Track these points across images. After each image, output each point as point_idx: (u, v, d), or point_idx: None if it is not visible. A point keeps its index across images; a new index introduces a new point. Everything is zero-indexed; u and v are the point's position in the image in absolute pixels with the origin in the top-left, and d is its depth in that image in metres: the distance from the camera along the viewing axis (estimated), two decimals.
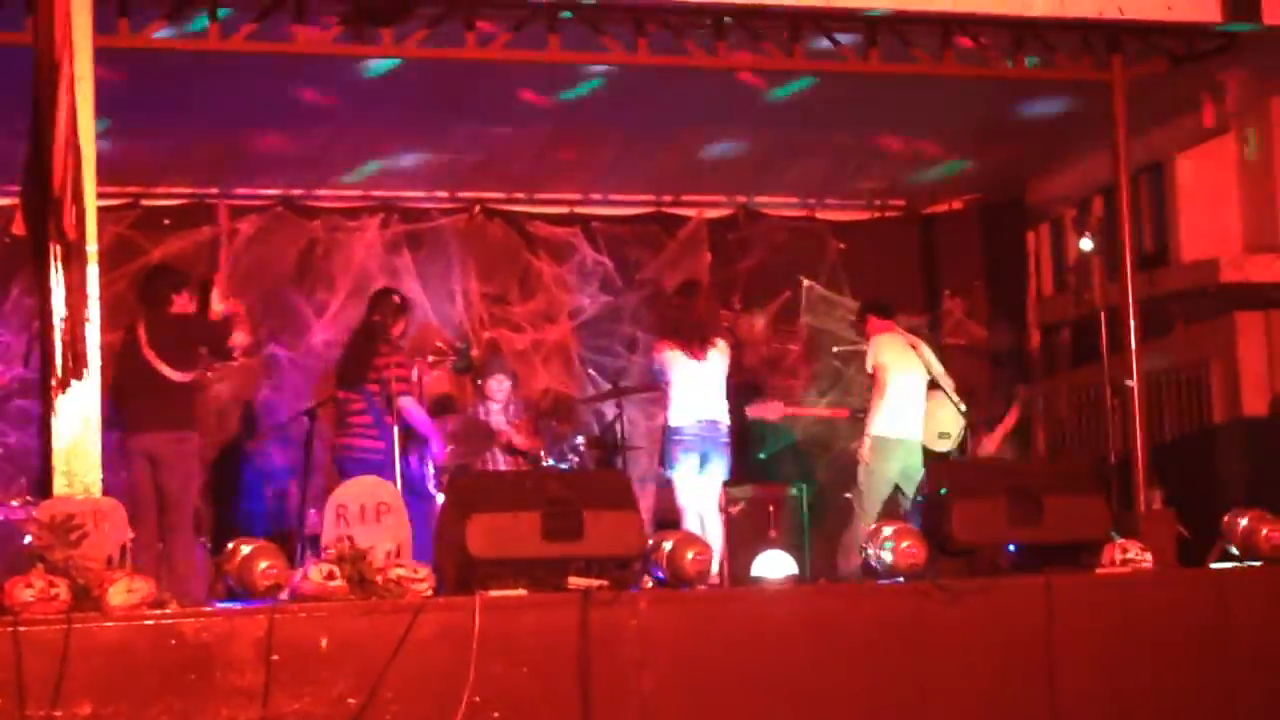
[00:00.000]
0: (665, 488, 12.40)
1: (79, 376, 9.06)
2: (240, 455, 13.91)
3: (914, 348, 12.59)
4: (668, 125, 13.49)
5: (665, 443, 12.10)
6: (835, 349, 13.72)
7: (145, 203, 14.00)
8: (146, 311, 11.09)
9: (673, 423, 11.99)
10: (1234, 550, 9.98)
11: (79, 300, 9.03)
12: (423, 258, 14.52)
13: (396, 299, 12.28)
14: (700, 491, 11.94)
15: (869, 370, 12.51)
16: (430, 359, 12.63)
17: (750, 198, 15.41)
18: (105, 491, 8.99)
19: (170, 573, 9.90)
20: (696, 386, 11.93)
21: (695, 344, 11.97)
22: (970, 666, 9.06)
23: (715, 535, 11.74)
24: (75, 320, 9.00)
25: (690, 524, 11.64)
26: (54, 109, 8.96)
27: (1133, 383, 11.90)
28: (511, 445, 12.75)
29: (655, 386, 12.52)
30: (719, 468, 12.01)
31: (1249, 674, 9.46)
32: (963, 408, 12.59)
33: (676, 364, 11.94)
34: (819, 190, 15.42)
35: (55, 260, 9.02)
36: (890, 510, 12.30)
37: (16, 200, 9.31)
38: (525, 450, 12.82)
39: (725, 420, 12.04)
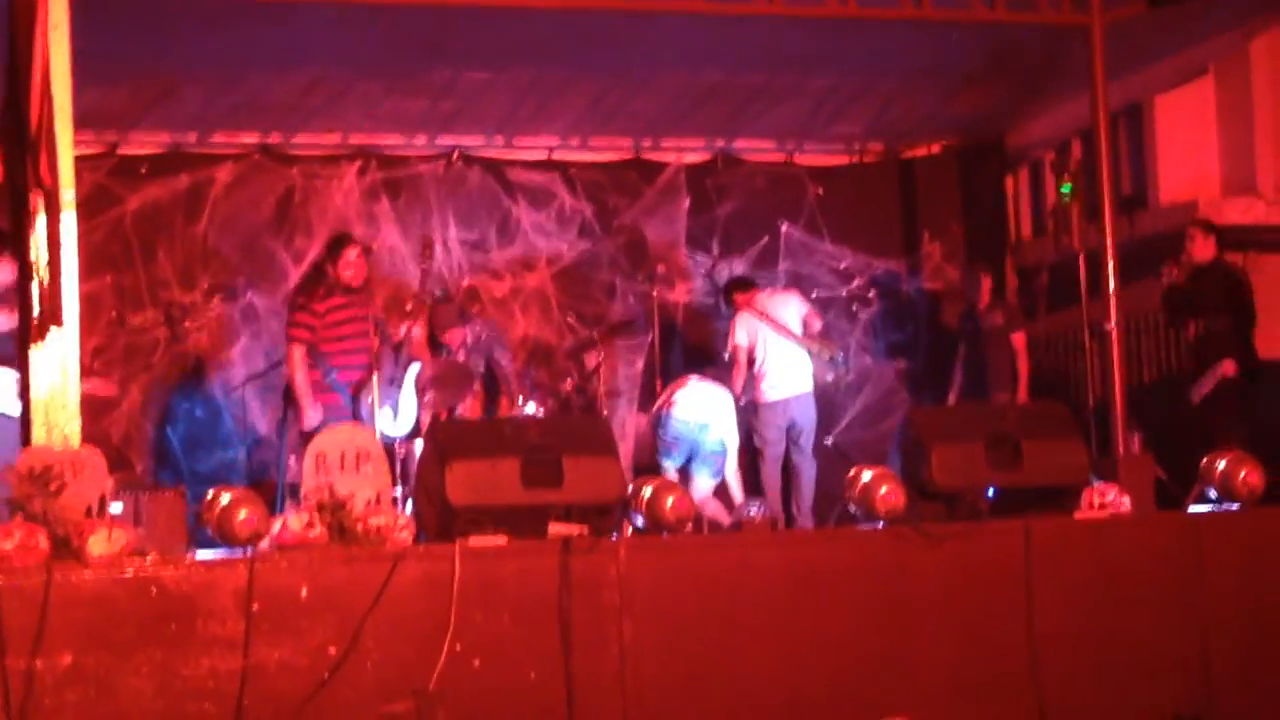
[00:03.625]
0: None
1: (57, 324, 9.05)
2: (218, 403, 13.91)
3: (763, 316, 13.20)
4: (645, 69, 13.48)
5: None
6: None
7: (122, 150, 13.96)
8: None
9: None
10: (1212, 493, 10.00)
11: (55, 248, 9.00)
12: (401, 204, 14.51)
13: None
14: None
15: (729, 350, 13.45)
16: (408, 307, 12.54)
17: (728, 143, 15.39)
18: (83, 441, 8.99)
19: None
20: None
21: None
22: (950, 610, 9.08)
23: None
24: (53, 269, 8.97)
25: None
26: (30, 55, 8.92)
27: (1111, 326, 11.92)
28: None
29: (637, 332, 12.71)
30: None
31: (1226, 617, 9.49)
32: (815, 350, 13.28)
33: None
34: (797, 135, 15.40)
35: (33, 208, 9.00)
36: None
37: None
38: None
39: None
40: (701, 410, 12.71)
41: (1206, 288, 12.63)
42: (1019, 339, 13.79)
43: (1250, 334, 12.64)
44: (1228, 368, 12.40)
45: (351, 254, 11.70)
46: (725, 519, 11.98)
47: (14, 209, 9.18)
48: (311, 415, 11.44)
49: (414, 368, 11.78)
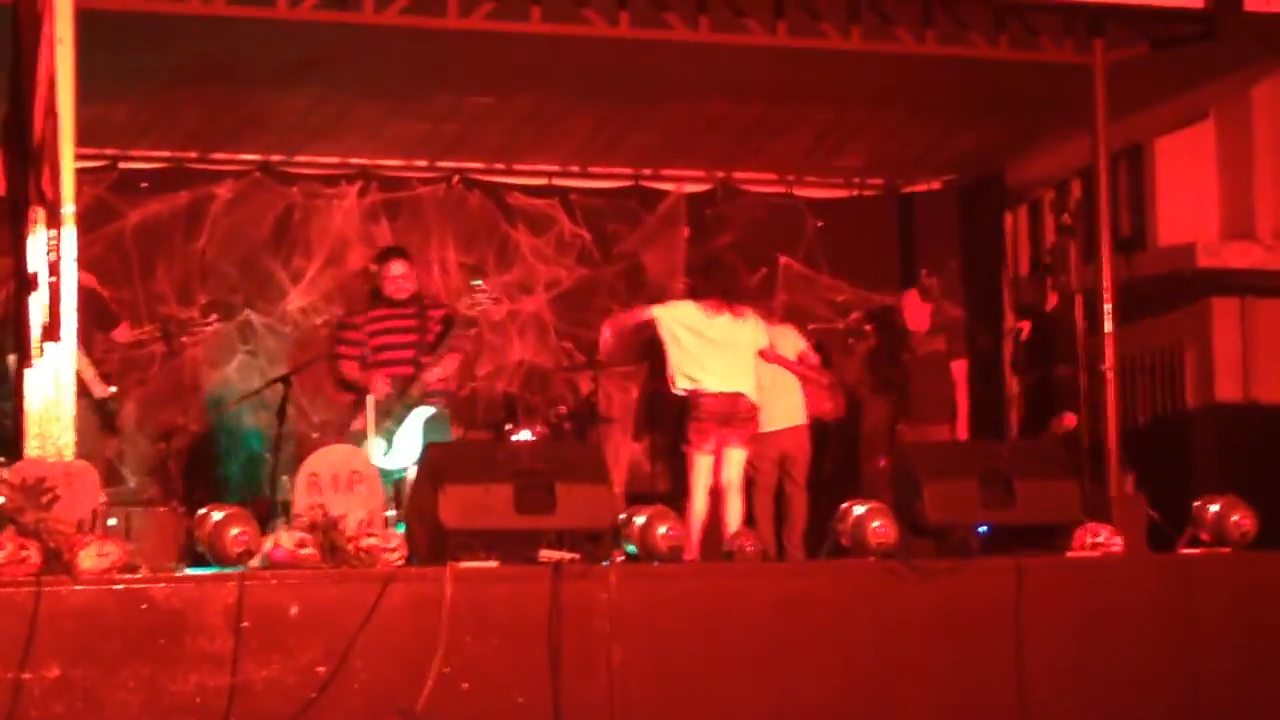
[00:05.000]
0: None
1: (55, 339, 9.07)
2: (213, 420, 13.91)
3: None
4: (647, 99, 13.52)
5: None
6: None
7: (123, 165, 13.97)
8: None
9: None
10: (1204, 536, 10.02)
11: (56, 262, 9.01)
12: (401, 227, 14.51)
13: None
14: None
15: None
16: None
17: (729, 173, 15.41)
18: (77, 455, 9.00)
19: None
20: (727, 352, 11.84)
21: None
22: (939, 646, 9.10)
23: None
24: (53, 283, 8.98)
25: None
26: (34, 68, 8.93)
27: (1107, 366, 11.93)
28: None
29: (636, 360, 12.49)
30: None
31: (1216, 659, 9.51)
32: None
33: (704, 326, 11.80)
34: (797, 167, 15.43)
35: (36, 221, 9.01)
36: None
37: None
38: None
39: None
40: (730, 379, 11.85)
41: (1051, 336, 12.55)
42: (959, 367, 13.41)
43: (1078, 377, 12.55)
44: (1069, 420, 12.28)
45: (394, 268, 11.72)
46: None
47: (13, 221, 9.19)
48: (379, 384, 11.47)
49: (423, 411, 11.55)
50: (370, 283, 12.11)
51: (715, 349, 11.59)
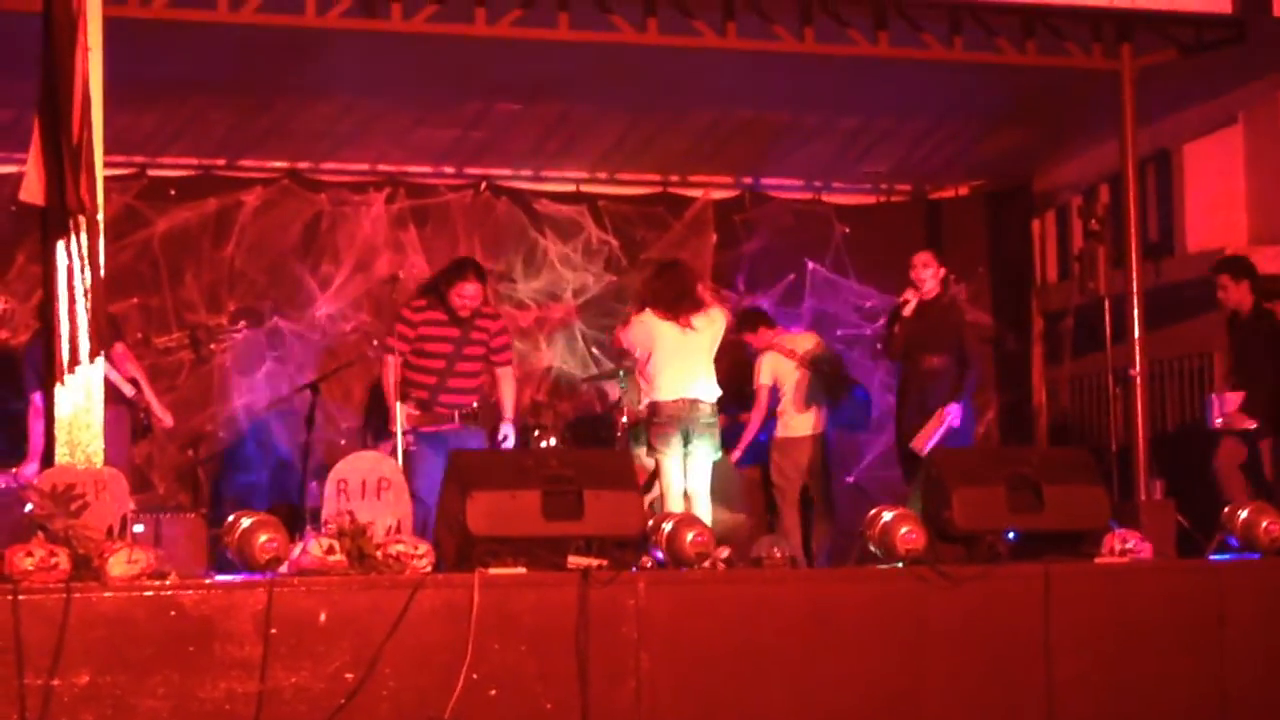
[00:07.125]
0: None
1: (106, 346, 9.11)
2: (242, 427, 13.94)
3: (791, 354, 13.29)
4: (674, 105, 13.53)
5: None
6: None
7: (152, 173, 14.01)
8: None
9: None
10: (1233, 542, 9.99)
11: (96, 271, 9.03)
12: (428, 233, 14.53)
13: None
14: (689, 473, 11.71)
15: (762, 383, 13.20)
16: None
17: (756, 180, 15.41)
18: (107, 462, 9.02)
19: None
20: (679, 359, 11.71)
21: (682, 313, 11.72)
22: (968, 652, 9.08)
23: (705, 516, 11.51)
24: (95, 292, 9.00)
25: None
26: (70, 76, 8.94)
27: (1136, 372, 11.91)
28: None
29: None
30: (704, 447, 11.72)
31: (1245, 666, 9.48)
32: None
33: (659, 334, 11.65)
34: (825, 173, 15.42)
35: (79, 230, 9.02)
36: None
37: (21, 169, 9.30)
38: None
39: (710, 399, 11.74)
40: (685, 384, 11.60)
41: (931, 324, 12.41)
42: None
43: (966, 376, 12.43)
44: (954, 418, 12.16)
45: (468, 289, 11.56)
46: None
47: (44, 230, 9.21)
48: (400, 415, 11.11)
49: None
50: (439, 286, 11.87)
51: (669, 357, 11.54)
